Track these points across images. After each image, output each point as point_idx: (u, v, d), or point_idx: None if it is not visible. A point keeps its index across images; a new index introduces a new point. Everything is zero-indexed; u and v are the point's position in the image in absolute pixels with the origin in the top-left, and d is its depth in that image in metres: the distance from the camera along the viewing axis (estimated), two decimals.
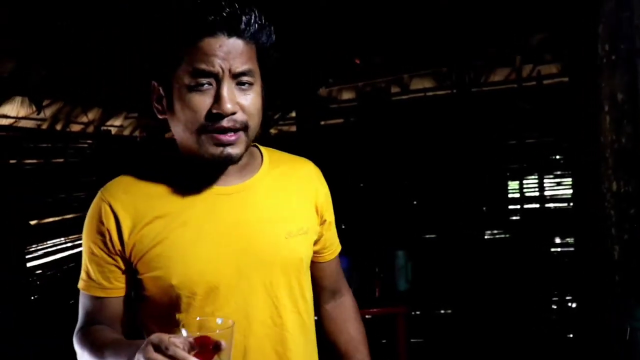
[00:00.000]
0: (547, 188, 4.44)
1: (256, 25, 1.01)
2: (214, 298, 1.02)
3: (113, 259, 1.05)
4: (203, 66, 0.98)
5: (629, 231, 2.26)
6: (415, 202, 4.60)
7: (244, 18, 0.99)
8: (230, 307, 1.03)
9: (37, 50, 3.13)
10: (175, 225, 1.04)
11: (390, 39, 4.15)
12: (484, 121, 4.42)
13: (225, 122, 0.98)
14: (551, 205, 4.43)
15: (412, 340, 3.78)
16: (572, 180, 3.90)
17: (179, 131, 1.03)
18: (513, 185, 4.53)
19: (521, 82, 4.61)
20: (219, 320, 0.91)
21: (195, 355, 0.82)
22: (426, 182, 4.54)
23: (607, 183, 2.31)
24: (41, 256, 3.42)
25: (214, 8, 0.97)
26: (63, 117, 4.14)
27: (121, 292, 1.08)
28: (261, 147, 1.19)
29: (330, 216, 1.23)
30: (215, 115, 0.98)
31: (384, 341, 4.12)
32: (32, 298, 3.25)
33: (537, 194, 4.45)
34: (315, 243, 1.19)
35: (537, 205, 4.45)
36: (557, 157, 4.47)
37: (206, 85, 0.99)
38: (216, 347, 0.84)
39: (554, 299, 4.33)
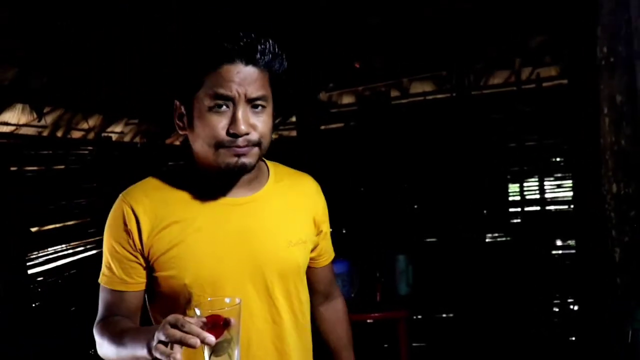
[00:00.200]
0: (547, 190, 4.43)
1: (270, 55, 1.13)
2: (221, 296, 1.11)
3: (134, 256, 1.18)
4: (222, 90, 1.10)
5: (630, 233, 2.27)
6: (415, 206, 4.60)
7: (259, 47, 1.11)
8: None
9: (38, 53, 3.13)
10: (191, 230, 1.17)
11: (390, 42, 4.16)
12: (484, 124, 4.42)
13: (240, 142, 1.12)
14: (552, 207, 4.42)
15: (414, 344, 3.78)
16: (572, 183, 3.91)
17: (198, 146, 1.16)
18: (513, 188, 4.52)
19: (521, 85, 4.60)
20: (227, 300, 1.01)
21: (207, 331, 0.92)
22: (426, 186, 4.54)
23: (607, 185, 2.32)
24: (42, 263, 3.41)
25: (233, 38, 1.10)
26: (64, 124, 4.15)
27: (141, 287, 1.21)
28: (268, 162, 1.33)
29: (326, 227, 1.38)
30: (231, 135, 1.11)
31: (386, 346, 4.11)
32: (34, 305, 3.24)
33: (537, 196, 4.45)
34: (312, 251, 1.34)
35: (538, 208, 4.44)
36: (558, 159, 4.46)
37: (224, 107, 1.11)
38: (226, 323, 0.95)
39: (556, 301, 4.32)
